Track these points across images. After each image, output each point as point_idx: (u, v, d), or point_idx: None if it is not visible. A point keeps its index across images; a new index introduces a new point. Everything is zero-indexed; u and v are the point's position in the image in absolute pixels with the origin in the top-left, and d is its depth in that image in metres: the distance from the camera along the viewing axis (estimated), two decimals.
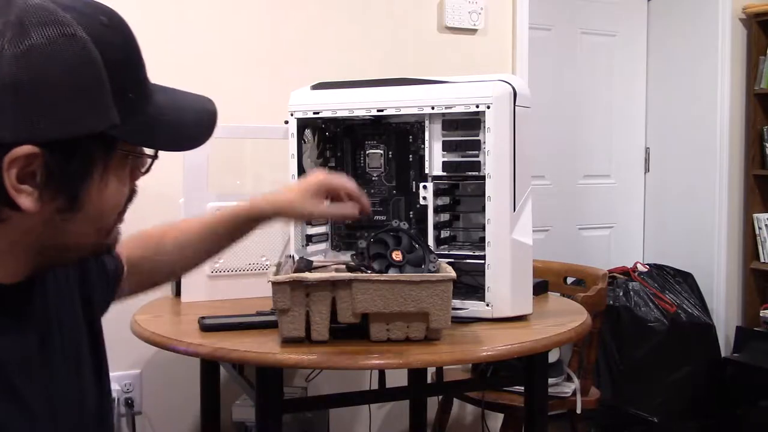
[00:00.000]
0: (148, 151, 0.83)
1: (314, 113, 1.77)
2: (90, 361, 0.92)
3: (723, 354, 3.45)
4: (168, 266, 1.23)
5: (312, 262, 1.60)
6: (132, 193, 0.85)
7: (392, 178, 1.83)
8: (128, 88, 0.76)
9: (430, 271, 1.47)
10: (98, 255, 0.89)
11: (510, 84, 1.65)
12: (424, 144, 1.75)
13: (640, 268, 3.39)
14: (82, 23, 0.72)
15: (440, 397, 2.61)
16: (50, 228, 0.76)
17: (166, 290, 2.02)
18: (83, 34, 0.72)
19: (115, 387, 2.27)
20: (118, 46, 0.76)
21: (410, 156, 1.80)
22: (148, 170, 0.85)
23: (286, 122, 1.79)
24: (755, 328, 3.53)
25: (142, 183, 0.85)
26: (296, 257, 1.69)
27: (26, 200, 0.72)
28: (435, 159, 1.74)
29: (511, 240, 1.65)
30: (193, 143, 0.84)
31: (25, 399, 0.78)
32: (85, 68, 0.72)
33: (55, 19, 0.71)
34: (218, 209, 1.86)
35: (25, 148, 0.70)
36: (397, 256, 1.47)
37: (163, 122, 0.80)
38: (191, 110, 0.86)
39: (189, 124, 0.84)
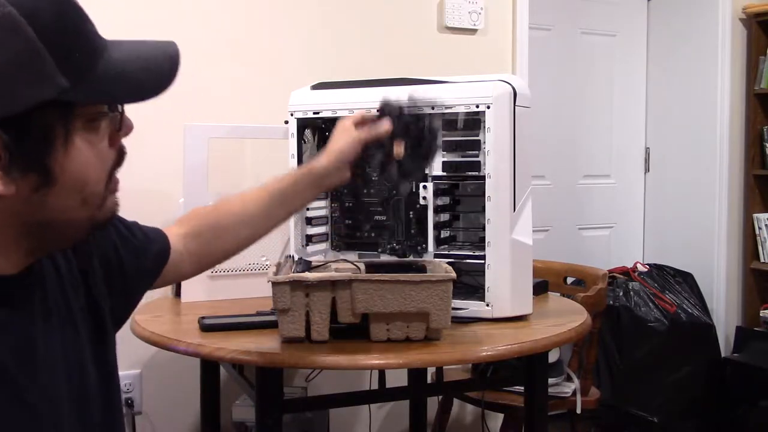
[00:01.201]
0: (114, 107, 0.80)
1: (314, 113, 1.77)
2: (93, 356, 0.90)
3: (723, 354, 3.45)
4: (231, 238, 1.19)
5: (311, 262, 1.60)
6: (120, 156, 0.82)
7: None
8: (73, 49, 0.73)
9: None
10: (95, 230, 0.85)
11: (510, 84, 1.66)
12: None
13: (640, 268, 3.39)
14: None
15: (440, 397, 2.61)
16: (32, 207, 0.75)
17: (166, 290, 2.02)
18: (7, 6, 0.69)
19: None
20: (49, 10, 0.72)
21: None
22: (120, 128, 0.82)
23: (286, 122, 1.79)
24: (755, 328, 3.53)
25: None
26: (296, 257, 1.70)
27: None
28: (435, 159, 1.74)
29: (511, 240, 1.65)
30: (154, 92, 0.80)
31: (28, 398, 0.77)
32: (13, 40, 0.69)
33: None
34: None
35: None
36: (398, 149, 1.30)
37: (120, 76, 0.77)
38: (150, 59, 0.81)
39: (149, 73, 0.80)
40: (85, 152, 0.76)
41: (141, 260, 1.05)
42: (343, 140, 1.25)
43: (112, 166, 0.81)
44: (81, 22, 0.76)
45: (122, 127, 0.82)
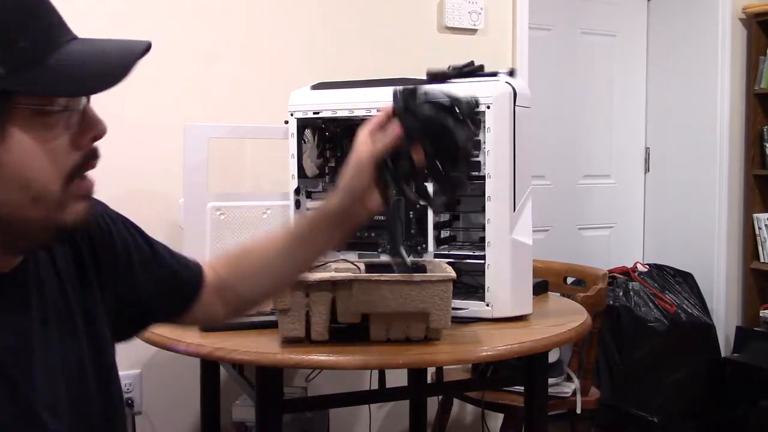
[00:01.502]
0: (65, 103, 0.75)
1: (314, 113, 1.77)
2: (92, 356, 0.89)
3: (723, 354, 3.45)
4: (257, 279, 1.10)
5: None
6: (87, 159, 0.77)
7: None
8: (18, 38, 0.71)
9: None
10: (63, 234, 0.80)
11: (510, 84, 1.66)
12: None
13: (640, 268, 3.39)
14: None
15: (440, 397, 2.61)
16: None
17: None
18: None
19: None
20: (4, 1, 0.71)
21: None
22: (86, 129, 0.78)
23: (286, 122, 1.80)
24: (755, 328, 3.53)
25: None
26: None
27: None
28: None
29: (511, 240, 1.65)
30: (104, 85, 0.74)
31: (26, 397, 0.77)
32: None
33: None
34: (220, 210, 1.87)
35: None
36: (418, 155, 0.99)
37: (68, 70, 0.73)
38: (110, 55, 0.76)
39: (104, 67, 0.75)
40: (28, 147, 0.72)
41: (157, 275, 1.01)
42: (350, 169, 1.01)
43: (73, 168, 0.76)
44: (37, 13, 0.73)
45: (87, 127, 0.77)
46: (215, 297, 1.08)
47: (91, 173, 0.80)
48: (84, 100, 0.77)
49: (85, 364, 0.88)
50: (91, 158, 0.78)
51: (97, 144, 0.79)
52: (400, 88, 1.00)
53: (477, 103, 1.00)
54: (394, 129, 0.99)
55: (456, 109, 0.98)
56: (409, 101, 0.99)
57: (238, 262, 1.11)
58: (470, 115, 0.98)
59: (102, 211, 0.97)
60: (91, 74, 0.74)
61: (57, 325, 0.85)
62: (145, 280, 1.00)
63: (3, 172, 0.72)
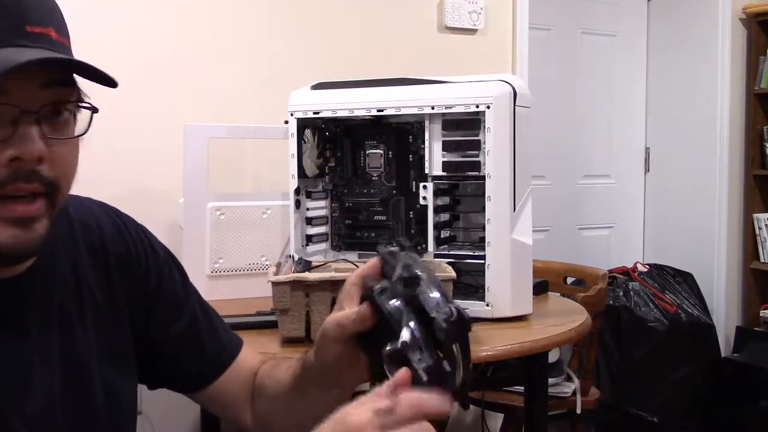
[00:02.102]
0: None
1: (314, 113, 1.77)
2: (101, 374, 0.86)
3: (723, 354, 3.45)
4: (271, 405, 0.97)
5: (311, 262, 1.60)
6: (12, 176, 0.71)
7: (392, 178, 1.83)
8: None
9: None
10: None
11: (510, 84, 1.66)
12: (424, 144, 1.75)
13: (640, 268, 3.39)
14: None
15: None
16: None
17: None
18: None
19: None
20: None
21: (410, 156, 1.80)
22: None
23: (286, 122, 1.79)
24: (755, 328, 3.53)
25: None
26: (296, 257, 1.70)
27: None
28: (435, 159, 1.74)
29: (511, 240, 1.65)
30: None
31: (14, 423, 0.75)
32: None
33: None
34: (220, 210, 1.87)
35: None
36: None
37: None
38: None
39: None
40: None
41: (182, 325, 0.96)
42: (319, 334, 0.84)
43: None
44: None
45: (9, 144, 0.70)
46: (245, 390, 0.98)
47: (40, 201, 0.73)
48: (14, 113, 0.70)
49: (93, 382, 0.84)
50: (17, 179, 0.71)
51: (31, 166, 0.71)
52: (388, 254, 0.80)
53: (468, 324, 0.73)
54: (365, 316, 0.77)
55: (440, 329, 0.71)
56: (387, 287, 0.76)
57: (263, 377, 0.99)
58: (455, 337, 0.72)
59: (148, 240, 0.95)
60: None
61: (59, 339, 0.82)
62: (166, 324, 0.94)
63: None
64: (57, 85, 0.74)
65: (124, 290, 0.91)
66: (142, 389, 0.96)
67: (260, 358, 1.04)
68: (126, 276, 0.91)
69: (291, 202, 1.78)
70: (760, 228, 3.60)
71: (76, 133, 0.77)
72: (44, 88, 0.72)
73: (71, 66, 0.73)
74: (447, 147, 1.72)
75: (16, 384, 0.76)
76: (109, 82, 0.74)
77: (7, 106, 0.70)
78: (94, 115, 0.78)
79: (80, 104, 0.77)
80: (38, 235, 0.74)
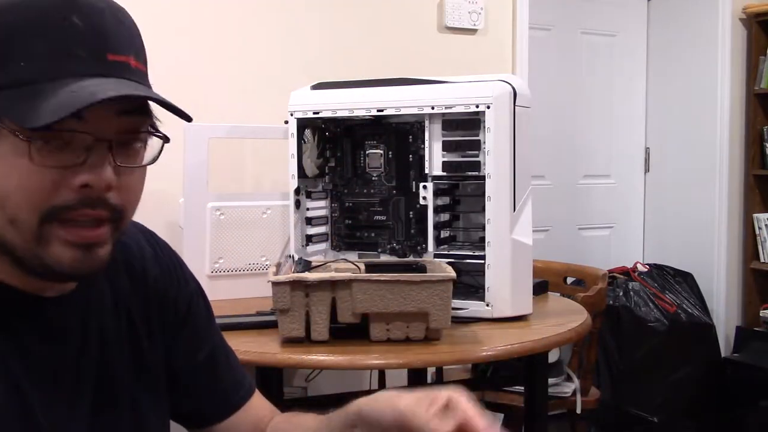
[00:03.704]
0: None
1: (314, 113, 1.77)
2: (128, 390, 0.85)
3: (723, 354, 3.45)
4: None
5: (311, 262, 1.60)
6: (80, 202, 0.70)
7: (392, 178, 1.83)
8: (12, 55, 0.68)
9: None
10: (48, 272, 0.73)
11: (510, 84, 1.66)
12: (424, 144, 1.75)
13: (640, 268, 3.39)
14: None
15: None
16: None
17: None
18: None
19: None
20: None
21: (410, 156, 1.80)
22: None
23: (286, 122, 1.80)
24: (755, 328, 3.53)
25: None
26: (296, 257, 1.70)
27: None
28: (435, 159, 1.74)
29: (511, 240, 1.65)
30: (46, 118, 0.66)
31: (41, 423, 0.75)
32: None
33: None
34: (220, 210, 1.87)
35: None
36: None
37: (49, 102, 0.66)
38: (82, 90, 0.68)
39: (64, 100, 0.67)
40: (5, 166, 0.68)
41: (200, 360, 0.96)
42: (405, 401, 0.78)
43: (55, 207, 0.70)
44: (45, 33, 0.69)
45: (80, 170, 0.70)
46: None
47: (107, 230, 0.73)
48: (88, 140, 0.70)
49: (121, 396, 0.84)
50: (85, 205, 0.71)
51: (100, 194, 0.71)
52: None
53: None
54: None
55: None
56: None
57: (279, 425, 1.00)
58: None
59: (180, 268, 0.96)
60: (51, 108, 0.65)
61: (98, 352, 0.82)
62: (185, 355, 0.94)
63: None
64: (132, 114, 0.73)
65: (159, 315, 0.91)
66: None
67: (271, 408, 1.03)
68: (159, 301, 0.91)
69: (291, 202, 1.78)
70: (760, 228, 3.60)
71: (145, 161, 0.77)
72: (119, 115, 0.72)
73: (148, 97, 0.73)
74: (447, 147, 1.72)
75: (48, 397, 0.76)
76: (184, 116, 0.75)
77: (83, 134, 0.70)
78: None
79: (153, 133, 0.77)
80: (100, 259, 0.74)
